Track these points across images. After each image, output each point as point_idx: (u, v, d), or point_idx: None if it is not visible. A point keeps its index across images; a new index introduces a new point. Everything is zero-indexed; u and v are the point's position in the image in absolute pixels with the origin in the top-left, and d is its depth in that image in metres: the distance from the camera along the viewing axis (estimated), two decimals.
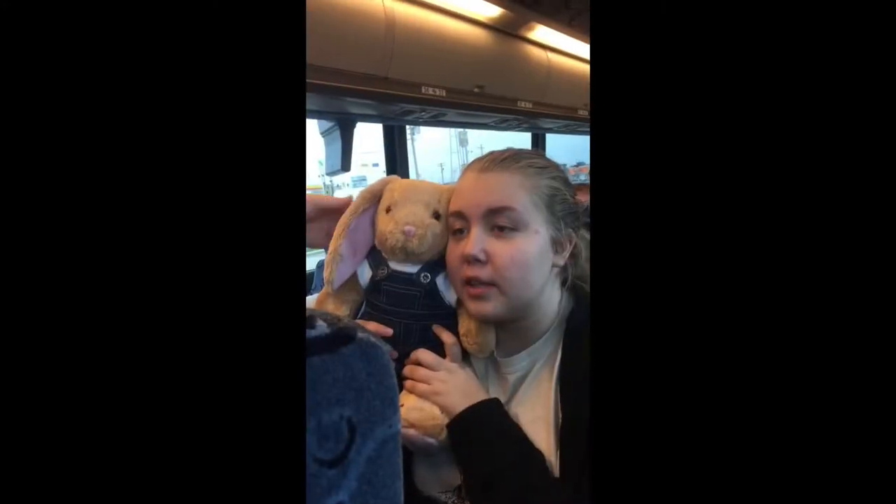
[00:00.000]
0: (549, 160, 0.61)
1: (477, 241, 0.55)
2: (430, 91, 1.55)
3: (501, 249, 0.55)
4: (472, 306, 0.57)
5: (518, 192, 0.55)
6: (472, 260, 0.55)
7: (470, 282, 0.56)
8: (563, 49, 2.05)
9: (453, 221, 0.59)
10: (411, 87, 1.50)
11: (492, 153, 0.59)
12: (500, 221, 0.55)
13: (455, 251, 0.58)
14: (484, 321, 0.60)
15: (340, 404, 0.26)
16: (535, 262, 0.55)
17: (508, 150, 0.60)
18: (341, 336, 0.28)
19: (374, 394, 0.28)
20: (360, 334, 0.29)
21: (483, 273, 0.55)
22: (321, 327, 0.27)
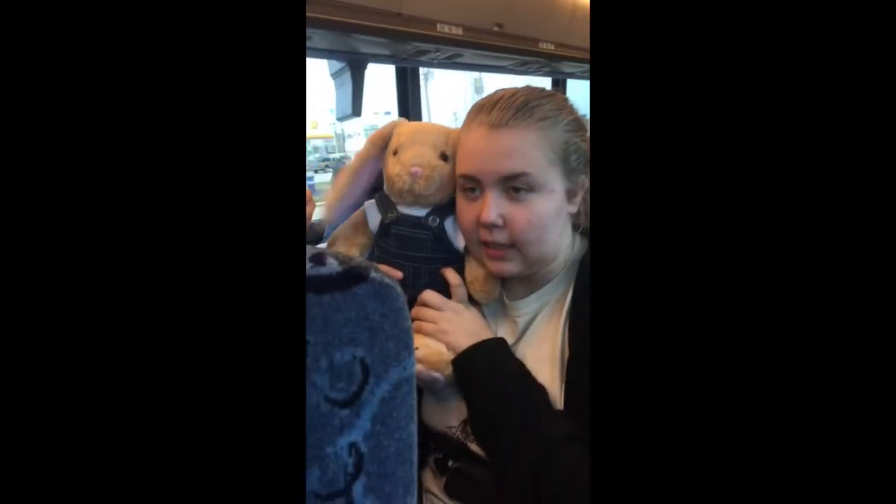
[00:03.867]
0: (560, 99, 0.57)
1: (493, 206, 0.54)
2: (446, 28, 1.47)
3: (519, 213, 0.54)
4: (493, 266, 0.57)
5: (533, 153, 0.53)
6: (489, 226, 0.54)
7: (488, 244, 0.55)
8: None
9: (464, 181, 0.57)
10: (426, 24, 1.41)
11: (499, 97, 0.55)
12: (515, 185, 0.54)
13: (468, 211, 0.57)
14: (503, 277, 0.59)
15: (353, 344, 0.25)
16: (552, 220, 0.55)
17: (517, 93, 0.55)
18: (354, 275, 0.27)
19: (387, 335, 0.27)
20: (373, 274, 0.28)
21: (501, 237, 0.55)
22: (332, 265, 0.26)
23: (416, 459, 0.28)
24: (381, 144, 0.62)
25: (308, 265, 0.24)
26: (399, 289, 0.28)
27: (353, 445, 0.25)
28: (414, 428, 0.28)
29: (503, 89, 0.57)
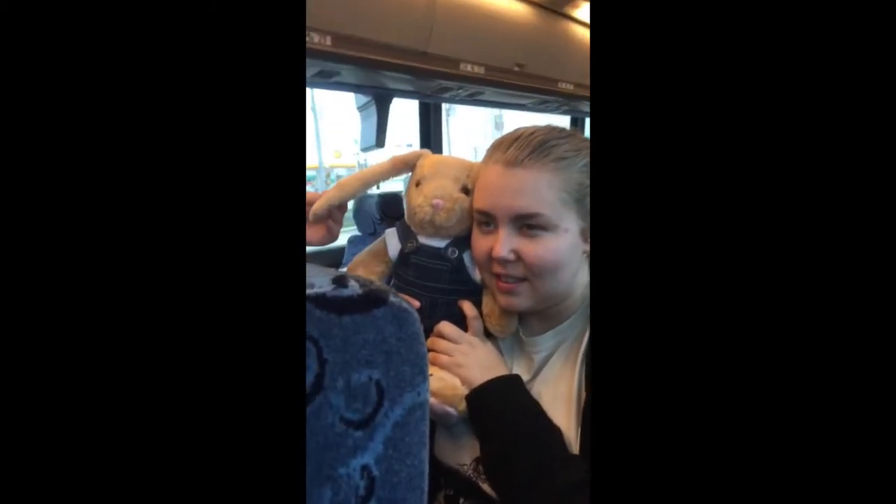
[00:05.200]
0: (578, 139, 0.57)
1: (505, 242, 0.55)
2: (469, 67, 1.52)
3: (531, 249, 0.54)
4: (503, 300, 0.57)
5: (547, 194, 0.54)
6: (501, 260, 0.55)
7: (500, 277, 0.56)
8: None
9: (479, 216, 0.58)
10: (450, 63, 1.47)
11: (518, 135, 0.56)
12: (528, 223, 0.54)
13: (482, 244, 0.57)
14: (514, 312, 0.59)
15: (370, 366, 0.26)
16: (565, 258, 0.55)
17: (535, 132, 0.56)
18: (373, 298, 0.28)
19: (403, 359, 0.27)
20: (392, 298, 0.29)
21: (514, 271, 0.55)
22: (353, 287, 0.26)
23: (426, 488, 0.28)
24: (403, 169, 0.64)
25: (330, 287, 0.25)
26: (416, 314, 0.29)
27: (365, 468, 0.25)
28: (425, 455, 0.28)
29: (523, 128, 0.58)
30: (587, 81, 2.07)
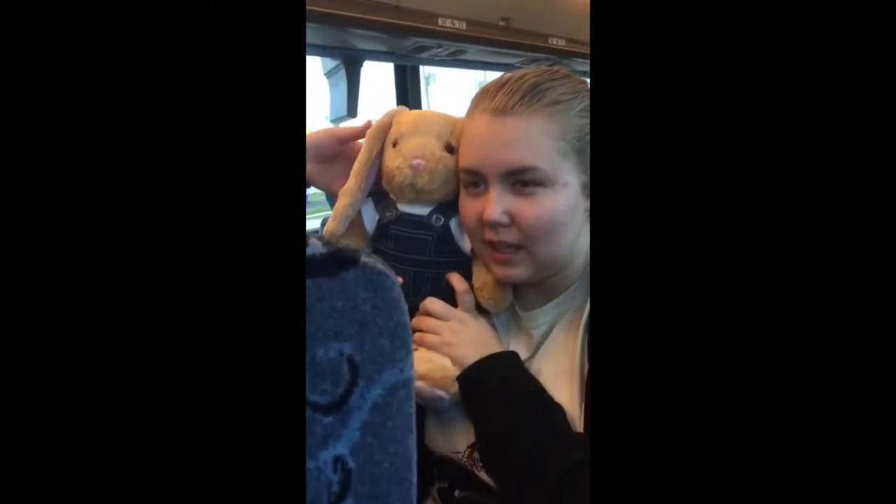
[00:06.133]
0: (575, 81, 0.54)
1: (497, 203, 0.52)
2: (448, 23, 1.47)
3: (527, 210, 0.52)
4: (499, 271, 0.55)
5: (542, 143, 0.51)
6: (493, 224, 0.52)
7: (494, 245, 0.53)
8: None
9: (466, 175, 0.55)
10: (426, 18, 1.42)
11: (506, 80, 0.53)
12: (522, 180, 0.51)
13: (471, 209, 0.55)
14: (511, 283, 0.57)
15: (339, 339, 0.23)
16: (565, 218, 0.53)
17: (525, 74, 0.53)
18: (341, 258, 0.25)
19: (381, 329, 0.25)
20: (364, 259, 0.26)
21: (508, 237, 0.53)
22: (315, 245, 0.24)
23: (415, 480, 0.26)
24: (383, 137, 0.60)
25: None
26: (394, 277, 0.26)
27: (338, 460, 0.23)
28: (412, 442, 0.26)
29: (511, 73, 0.55)
30: (581, 36, 2.03)
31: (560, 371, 0.54)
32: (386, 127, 0.60)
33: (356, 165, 0.60)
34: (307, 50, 1.49)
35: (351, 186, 0.60)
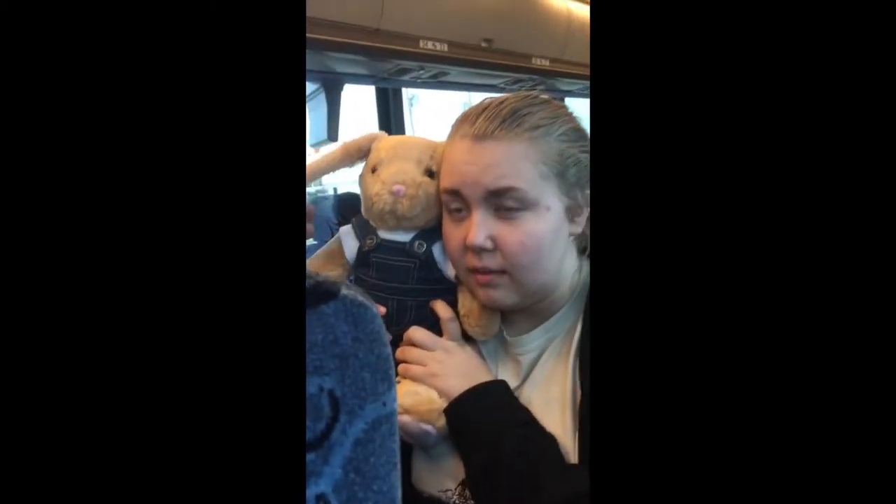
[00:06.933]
0: (556, 106, 0.57)
1: (480, 228, 0.54)
2: (430, 45, 1.52)
3: (510, 234, 0.53)
4: (482, 294, 0.56)
5: (523, 167, 0.53)
6: (477, 249, 0.54)
7: (478, 270, 0.55)
8: None
9: (448, 200, 0.57)
10: (407, 41, 1.47)
11: (486, 105, 0.56)
12: (504, 203, 0.53)
13: (454, 234, 0.57)
14: (495, 308, 0.59)
15: (319, 373, 0.24)
16: (548, 242, 0.54)
17: (505, 100, 0.55)
18: (321, 292, 0.26)
19: (362, 363, 0.26)
20: (344, 291, 0.27)
21: (491, 262, 0.54)
22: None
23: None
24: (356, 156, 0.63)
25: None
26: (374, 309, 0.27)
27: (320, 498, 0.24)
28: (396, 477, 0.27)
29: (491, 98, 0.58)
30: (565, 56, 2.10)
31: (551, 398, 0.55)
32: (363, 147, 0.63)
33: (316, 164, 0.63)
34: None
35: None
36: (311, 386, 0.24)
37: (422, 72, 1.66)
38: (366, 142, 0.63)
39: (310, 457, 0.24)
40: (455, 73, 1.76)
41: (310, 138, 1.76)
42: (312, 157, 0.67)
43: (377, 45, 1.38)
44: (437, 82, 1.84)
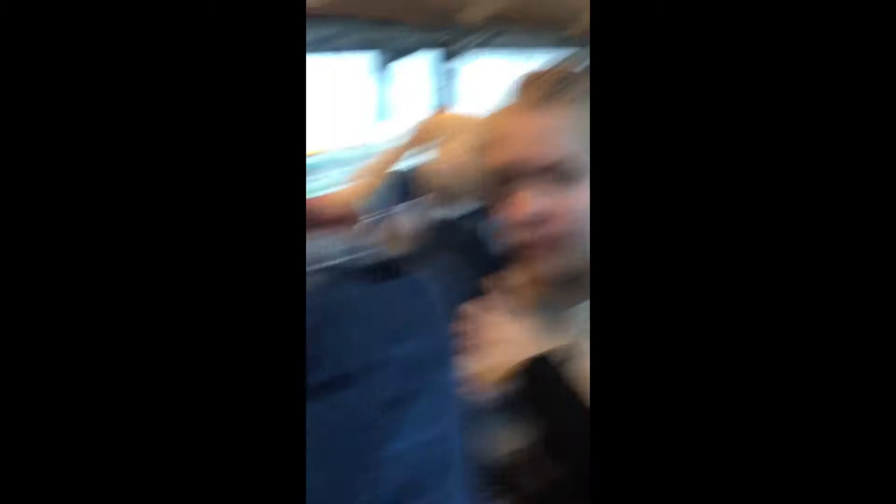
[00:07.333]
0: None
1: (530, 201, 0.53)
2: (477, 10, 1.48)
3: (559, 207, 0.53)
4: (534, 268, 0.57)
5: (571, 137, 0.52)
6: (527, 223, 0.54)
7: (529, 244, 0.55)
8: None
9: (497, 175, 0.57)
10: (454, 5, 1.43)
11: (534, 74, 0.55)
12: (554, 175, 0.53)
13: (504, 208, 0.57)
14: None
15: (391, 341, 0.26)
16: None
17: (551, 71, 0.54)
18: (386, 266, 0.28)
19: (426, 333, 0.28)
20: (407, 265, 0.29)
21: (542, 234, 0.54)
22: (362, 254, 0.27)
23: (463, 480, 0.29)
24: (424, 138, 0.65)
25: (342, 255, 0.26)
26: (434, 285, 0.29)
27: (398, 455, 0.26)
28: (461, 442, 0.29)
29: (535, 70, 0.57)
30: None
31: None
32: (426, 128, 0.64)
33: (391, 156, 0.64)
34: (342, 48, 1.53)
35: (379, 167, 0.64)
36: (382, 353, 0.26)
37: (471, 38, 1.63)
38: (426, 122, 0.64)
39: (386, 418, 0.26)
40: (504, 39, 1.72)
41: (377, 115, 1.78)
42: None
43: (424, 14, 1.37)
44: (486, 49, 1.80)
